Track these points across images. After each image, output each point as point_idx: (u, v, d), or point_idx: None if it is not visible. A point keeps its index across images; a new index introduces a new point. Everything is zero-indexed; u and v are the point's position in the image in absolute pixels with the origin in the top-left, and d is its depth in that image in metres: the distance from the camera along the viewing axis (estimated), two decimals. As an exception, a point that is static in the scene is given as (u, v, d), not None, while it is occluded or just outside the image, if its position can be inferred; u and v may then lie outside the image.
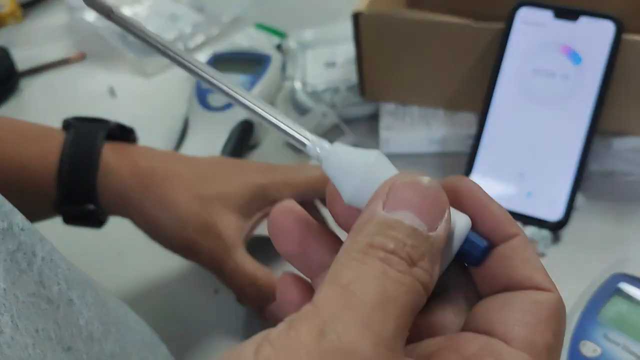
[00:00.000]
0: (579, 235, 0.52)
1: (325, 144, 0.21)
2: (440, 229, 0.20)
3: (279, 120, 0.21)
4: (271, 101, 0.65)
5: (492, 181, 0.54)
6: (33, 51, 0.86)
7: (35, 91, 0.78)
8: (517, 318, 0.20)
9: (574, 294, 0.44)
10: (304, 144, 0.21)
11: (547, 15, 0.54)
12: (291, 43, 0.77)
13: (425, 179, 0.20)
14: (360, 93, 0.65)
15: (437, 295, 0.22)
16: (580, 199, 0.54)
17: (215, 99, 0.62)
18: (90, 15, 0.86)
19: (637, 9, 0.61)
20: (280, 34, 0.78)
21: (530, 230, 0.51)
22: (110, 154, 0.43)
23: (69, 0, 0.96)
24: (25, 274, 0.25)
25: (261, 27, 0.80)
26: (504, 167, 0.54)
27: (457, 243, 0.21)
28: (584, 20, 0.53)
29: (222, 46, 0.77)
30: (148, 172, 0.43)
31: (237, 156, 0.60)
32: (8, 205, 0.26)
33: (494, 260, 0.21)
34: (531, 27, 0.55)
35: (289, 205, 0.22)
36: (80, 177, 0.41)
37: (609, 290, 0.42)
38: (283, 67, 0.69)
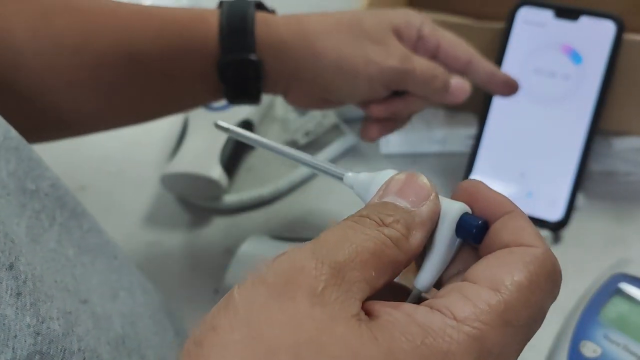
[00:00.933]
0: (579, 236, 0.52)
1: (354, 174, 0.26)
2: (425, 207, 0.23)
3: (322, 165, 0.27)
4: (271, 101, 0.65)
5: (492, 181, 0.54)
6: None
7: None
8: (486, 264, 0.22)
9: (574, 294, 0.44)
10: (341, 178, 0.27)
11: (547, 14, 0.54)
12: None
13: (413, 173, 0.24)
14: (360, 93, 0.65)
15: (454, 276, 0.24)
16: (580, 199, 0.54)
17: (215, 99, 0.61)
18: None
19: (638, 8, 0.60)
20: (281, 34, 0.78)
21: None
22: (263, 13, 0.44)
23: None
24: (46, 232, 0.27)
25: (261, 27, 0.80)
26: (504, 167, 0.54)
27: (452, 223, 0.23)
28: (584, 20, 0.53)
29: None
30: (303, 22, 0.44)
31: (237, 156, 0.60)
32: (37, 170, 0.29)
33: (490, 235, 0.23)
34: (532, 27, 0.55)
35: None
36: (239, 27, 0.42)
37: (610, 290, 0.42)
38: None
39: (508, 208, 0.24)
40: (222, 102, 0.61)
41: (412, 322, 0.20)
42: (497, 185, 0.53)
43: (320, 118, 0.63)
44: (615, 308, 0.41)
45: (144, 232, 0.58)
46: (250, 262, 0.49)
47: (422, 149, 0.61)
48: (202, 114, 0.61)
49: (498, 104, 0.55)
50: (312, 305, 0.19)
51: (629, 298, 0.42)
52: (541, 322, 0.22)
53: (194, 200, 0.59)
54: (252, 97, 0.45)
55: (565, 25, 0.54)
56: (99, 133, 0.47)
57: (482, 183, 0.24)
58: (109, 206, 0.58)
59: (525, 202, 0.53)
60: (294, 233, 0.55)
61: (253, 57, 0.42)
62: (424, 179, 0.24)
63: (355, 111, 0.66)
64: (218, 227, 0.57)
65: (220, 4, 0.45)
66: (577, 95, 0.53)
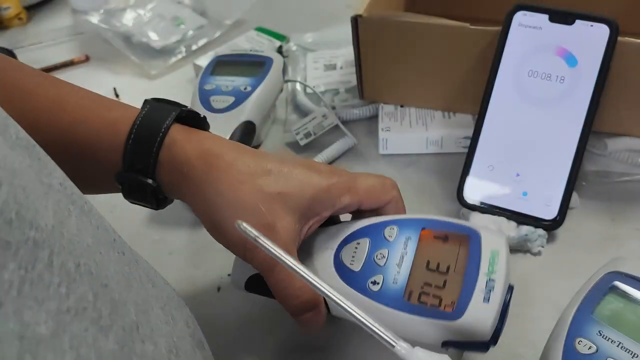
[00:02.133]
0: (574, 235, 0.53)
1: (408, 348, 0.27)
2: None
3: (375, 327, 0.28)
4: (272, 102, 0.66)
5: (488, 181, 0.55)
6: (37, 53, 0.87)
7: (39, 93, 0.78)
8: None
9: (569, 292, 0.44)
10: (392, 346, 0.27)
11: (543, 18, 0.55)
12: (292, 46, 0.78)
13: None
14: (359, 95, 0.66)
15: None
16: (575, 198, 0.54)
17: (218, 101, 0.62)
18: (94, 18, 0.87)
19: (632, 13, 0.61)
20: (281, 37, 0.79)
21: (525, 230, 0.52)
22: (179, 131, 0.42)
23: (73, 2, 0.97)
24: (67, 219, 0.28)
25: (262, 30, 0.81)
26: (500, 168, 0.55)
27: None
28: (579, 24, 0.54)
29: (224, 49, 0.78)
30: (214, 154, 0.41)
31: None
32: (46, 170, 0.29)
33: None
34: (527, 30, 0.55)
35: None
36: (144, 148, 0.41)
37: (604, 288, 0.42)
38: (284, 69, 0.70)
39: None
40: (224, 103, 0.62)
41: None
42: (493, 185, 0.54)
43: (320, 119, 0.64)
44: (609, 306, 0.42)
45: (148, 231, 0.58)
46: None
47: (420, 149, 0.62)
48: (205, 115, 0.62)
49: (494, 105, 0.56)
50: None
51: (623, 295, 0.42)
52: None
53: (197, 200, 0.59)
54: (151, 205, 0.44)
55: (560, 28, 0.54)
56: None
57: None
58: (114, 205, 0.59)
59: (520, 202, 0.53)
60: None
61: (149, 181, 0.41)
62: None
63: (355, 112, 0.66)
64: (220, 226, 0.58)
65: (144, 104, 0.43)
66: (572, 96, 0.54)
